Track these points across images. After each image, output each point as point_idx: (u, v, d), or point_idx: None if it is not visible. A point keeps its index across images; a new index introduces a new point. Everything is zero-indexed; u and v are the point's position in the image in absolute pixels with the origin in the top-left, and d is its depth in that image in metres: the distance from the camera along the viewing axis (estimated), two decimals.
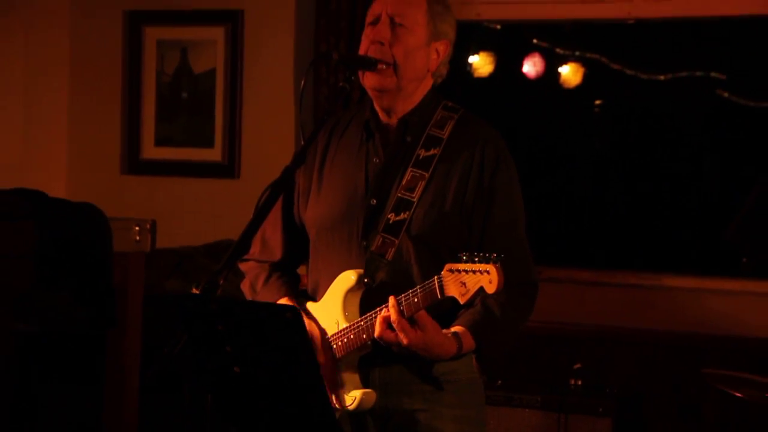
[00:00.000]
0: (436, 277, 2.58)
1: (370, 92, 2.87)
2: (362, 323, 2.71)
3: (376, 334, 2.64)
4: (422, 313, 2.62)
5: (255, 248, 2.95)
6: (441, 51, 2.84)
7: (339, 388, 2.76)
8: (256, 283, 2.96)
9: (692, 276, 4.80)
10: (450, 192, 2.78)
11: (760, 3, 4.64)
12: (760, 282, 4.55)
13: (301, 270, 3.02)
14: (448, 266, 2.56)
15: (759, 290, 4.53)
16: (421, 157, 2.80)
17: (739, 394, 3.43)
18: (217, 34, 5.07)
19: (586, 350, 4.61)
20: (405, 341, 2.61)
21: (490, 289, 2.50)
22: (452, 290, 2.55)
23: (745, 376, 3.42)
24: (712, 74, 5.14)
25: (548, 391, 4.19)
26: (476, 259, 2.51)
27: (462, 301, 2.55)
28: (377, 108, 2.87)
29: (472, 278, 2.52)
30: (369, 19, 2.84)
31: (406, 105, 2.84)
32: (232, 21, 5.05)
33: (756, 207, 3.63)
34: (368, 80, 2.82)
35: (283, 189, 2.63)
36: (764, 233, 3.35)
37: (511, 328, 2.79)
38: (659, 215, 5.28)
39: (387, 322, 2.62)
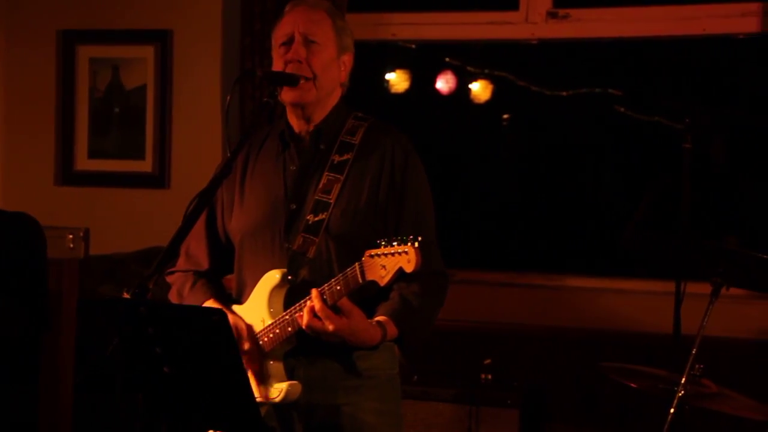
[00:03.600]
0: (357, 263, 2.60)
1: (289, 106, 2.89)
2: (287, 317, 2.73)
3: (304, 323, 2.65)
4: (344, 300, 2.63)
5: (180, 261, 2.95)
6: (347, 63, 2.91)
7: (266, 381, 2.77)
8: (182, 290, 2.96)
9: (592, 277, 4.86)
10: (364, 192, 2.81)
11: (652, 26, 4.74)
12: (653, 282, 4.63)
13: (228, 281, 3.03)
14: (368, 252, 2.58)
15: (652, 289, 4.59)
16: (335, 162, 2.83)
17: (633, 385, 3.49)
18: (147, 52, 5.04)
19: (495, 346, 4.64)
20: (331, 327, 2.62)
21: (409, 268, 2.53)
22: (373, 274, 2.57)
23: (639, 368, 3.48)
24: (610, 90, 5.22)
25: (460, 385, 4.21)
26: (394, 243, 2.54)
27: (382, 284, 2.57)
28: (291, 120, 2.90)
29: (391, 260, 2.54)
30: (280, 39, 2.86)
31: (320, 115, 2.88)
32: (161, 40, 5.02)
33: (645, 214, 3.71)
34: (288, 96, 2.84)
35: (210, 198, 2.63)
36: (654, 238, 3.43)
37: (428, 315, 2.83)
38: (563, 221, 5.34)
39: (313, 311, 2.63)
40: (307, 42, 2.83)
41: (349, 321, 2.64)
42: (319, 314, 2.62)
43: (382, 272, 2.55)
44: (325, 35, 2.85)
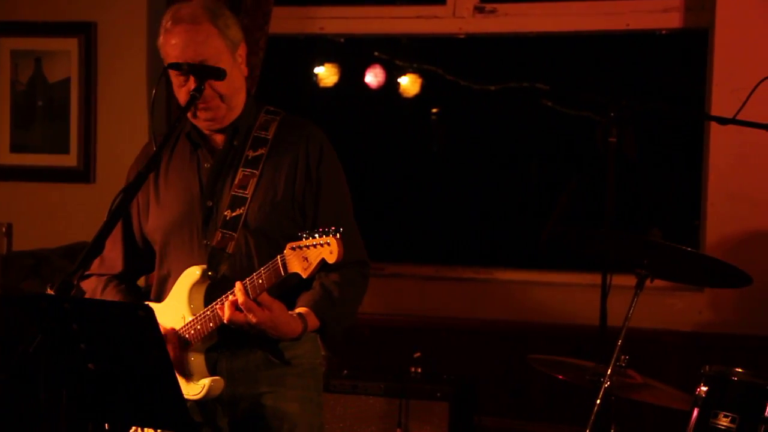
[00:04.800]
0: (279, 256, 2.61)
1: (201, 122, 2.87)
2: (208, 313, 2.72)
3: (226, 317, 2.65)
4: (264, 295, 2.64)
5: (95, 264, 2.92)
6: (242, 54, 2.89)
7: (188, 378, 2.76)
8: (94, 294, 2.93)
9: (521, 270, 4.92)
10: (280, 185, 2.82)
11: (577, 21, 4.81)
12: (580, 274, 4.70)
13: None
14: (289, 245, 2.59)
15: (579, 282, 4.66)
16: (250, 157, 2.84)
17: (561, 377, 3.54)
18: (70, 44, 4.97)
19: (425, 340, 4.67)
20: (254, 320, 2.63)
21: (331, 259, 2.54)
22: (295, 266, 2.58)
23: (566, 360, 3.53)
24: (537, 85, 5.27)
25: (391, 378, 4.23)
26: (316, 235, 2.55)
27: (305, 275, 2.59)
28: (198, 122, 2.89)
29: (314, 252, 2.55)
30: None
31: (231, 115, 2.87)
32: (85, 32, 4.95)
33: (566, 208, 3.76)
34: (202, 115, 2.83)
35: (135, 193, 2.61)
36: (576, 231, 3.48)
37: (350, 305, 2.85)
38: (492, 214, 5.39)
39: (235, 305, 2.63)
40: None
41: (271, 313, 2.66)
42: (242, 307, 2.63)
43: (305, 264, 2.56)
44: (217, 50, 2.80)
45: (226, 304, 2.65)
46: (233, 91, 2.85)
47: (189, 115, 2.84)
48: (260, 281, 2.63)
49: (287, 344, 2.81)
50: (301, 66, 5.49)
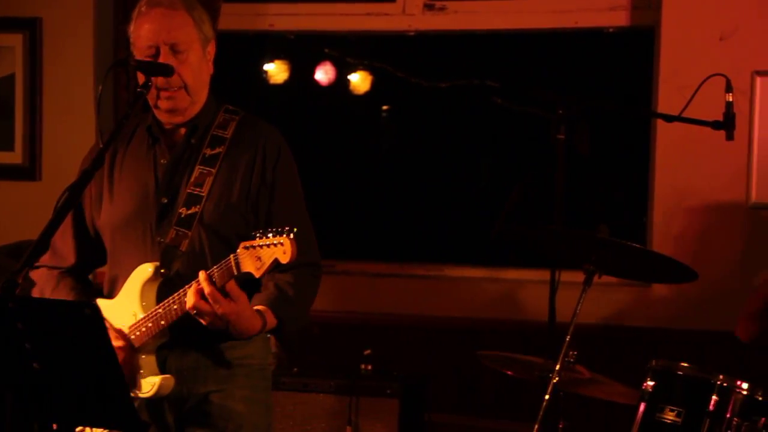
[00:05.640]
0: (232, 255, 2.60)
1: (162, 113, 2.85)
2: (160, 310, 2.71)
3: (191, 304, 2.62)
4: (233, 284, 2.62)
5: (46, 256, 2.89)
6: (211, 52, 2.90)
7: (138, 376, 2.74)
8: (45, 289, 2.90)
9: (471, 266, 4.94)
10: (236, 185, 2.82)
11: (526, 19, 4.84)
12: (529, 270, 4.72)
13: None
14: (243, 244, 2.59)
15: (528, 278, 4.69)
16: (207, 155, 2.83)
17: (510, 373, 3.57)
18: (15, 40, 4.90)
19: (376, 337, 4.67)
20: (220, 311, 2.61)
21: (285, 259, 2.54)
22: (248, 265, 2.57)
23: (516, 356, 3.55)
24: (487, 82, 5.29)
25: (341, 376, 4.23)
26: (270, 234, 2.55)
27: (257, 275, 2.58)
28: (160, 115, 2.87)
29: (267, 252, 2.55)
30: (145, 51, 2.80)
31: (192, 111, 2.86)
32: (30, 28, 4.89)
33: (515, 206, 3.79)
34: (164, 104, 2.81)
35: (81, 191, 2.59)
36: (525, 228, 3.50)
37: (304, 305, 2.86)
38: (442, 211, 5.41)
39: (201, 293, 2.61)
40: (175, 51, 2.79)
41: (237, 305, 2.64)
42: (209, 297, 2.61)
43: (258, 264, 2.56)
44: (189, 38, 2.81)
45: (191, 292, 2.63)
46: (199, 85, 2.83)
47: (152, 105, 2.82)
48: (214, 279, 2.62)
49: (238, 343, 2.80)
50: (251, 63, 5.47)
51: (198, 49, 2.82)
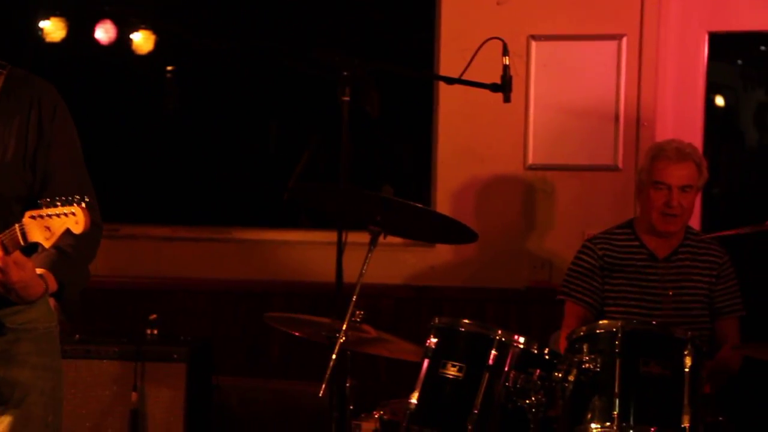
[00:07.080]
0: (17, 225, 2.48)
1: None
2: None
3: None
4: (18, 253, 2.51)
5: None
6: None
7: None
8: None
9: (259, 229, 4.92)
10: (11, 144, 2.69)
11: None
12: (317, 232, 4.76)
13: None
14: (28, 213, 2.47)
15: (316, 239, 4.71)
16: None
17: (297, 334, 3.58)
18: None
19: (162, 302, 4.61)
20: (13, 278, 2.51)
21: (77, 229, 2.45)
22: (36, 235, 2.46)
23: (304, 317, 3.56)
24: (273, 44, 5.27)
25: (125, 341, 4.14)
26: (58, 204, 2.45)
27: (47, 245, 2.48)
28: None
29: (57, 221, 2.44)
30: None
31: None
32: None
33: (306, 168, 3.81)
34: None
35: None
36: (315, 189, 3.52)
37: (84, 266, 2.77)
38: (230, 173, 5.37)
39: None
40: None
41: (24, 273, 2.53)
42: (1, 265, 2.49)
43: (47, 234, 2.45)
44: None
45: None
46: None
47: None
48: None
49: (21, 308, 2.68)
50: (25, 19, 5.23)
51: None
